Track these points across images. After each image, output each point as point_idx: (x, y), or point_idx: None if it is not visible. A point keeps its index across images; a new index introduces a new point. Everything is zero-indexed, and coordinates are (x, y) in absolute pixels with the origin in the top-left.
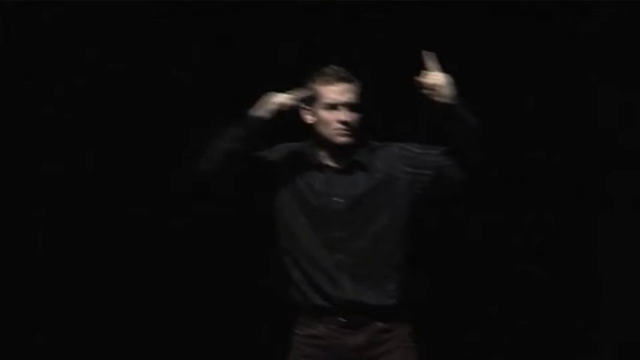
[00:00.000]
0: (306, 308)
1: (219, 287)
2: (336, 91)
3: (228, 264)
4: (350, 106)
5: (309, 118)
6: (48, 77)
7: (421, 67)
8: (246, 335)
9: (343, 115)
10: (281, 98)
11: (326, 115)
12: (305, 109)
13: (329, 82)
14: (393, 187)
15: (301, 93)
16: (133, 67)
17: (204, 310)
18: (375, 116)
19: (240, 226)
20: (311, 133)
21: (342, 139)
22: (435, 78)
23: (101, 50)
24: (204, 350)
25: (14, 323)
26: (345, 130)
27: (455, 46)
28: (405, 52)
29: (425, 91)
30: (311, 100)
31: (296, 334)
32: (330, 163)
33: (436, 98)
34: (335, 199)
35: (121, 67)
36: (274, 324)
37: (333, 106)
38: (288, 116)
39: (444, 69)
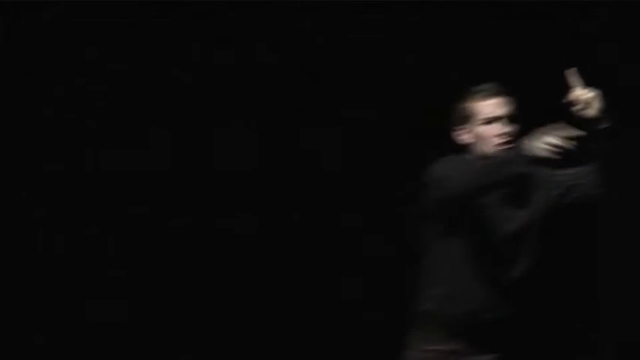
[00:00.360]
0: (448, 323)
1: (218, 287)
2: (493, 105)
3: (228, 264)
4: (508, 119)
5: (465, 138)
6: (48, 77)
7: (566, 86)
8: (245, 337)
9: (502, 128)
10: (557, 139)
11: (485, 130)
12: (460, 128)
13: (485, 98)
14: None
15: (570, 132)
16: (133, 67)
17: (204, 311)
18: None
19: (239, 227)
20: (466, 152)
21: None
22: (586, 94)
23: (101, 50)
24: (204, 351)
25: (14, 323)
26: (506, 143)
27: (455, 46)
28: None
29: (576, 108)
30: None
31: (433, 350)
32: None
33: (588, 114)
34: (505, 218)
35: (121, 67)
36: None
37: (491, 121)
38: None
39: (444, 69)
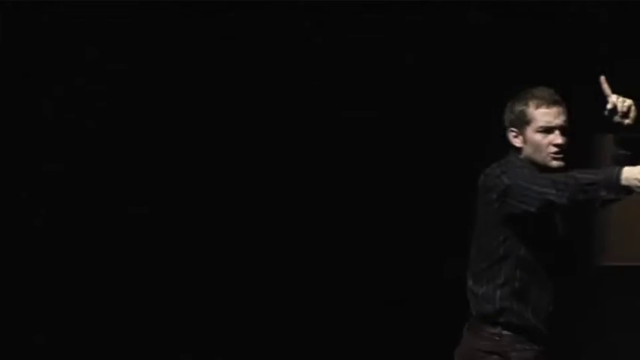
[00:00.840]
0: (535, 332)
1: (219, 287)
2: (551, 114)
3: (228, 264)
4: (563, 130)
5: (517, 142)
6: (48, 77)
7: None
8: (242, 336)
9: (558, 138)
10: None
11: (539, 138)
12: (514, 130)
13: (544, 105)
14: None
15: None
16: (133, 67)
17: (204, 311)
18: None
19: (239, 227)
20: (516, 155)
21: (556, 163)
22: (626, 102)
23: (101, 50)
24: (204, 351)
25: (14, 323)
26: (559, 153)
27: (455, 47)
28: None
29: (618, 117)
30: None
31: (530, 349)
32: None
33: (626, 122)
34: (558, 225)
35: (121, 67)
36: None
37: (548, 130)
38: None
39: (444, 69)
